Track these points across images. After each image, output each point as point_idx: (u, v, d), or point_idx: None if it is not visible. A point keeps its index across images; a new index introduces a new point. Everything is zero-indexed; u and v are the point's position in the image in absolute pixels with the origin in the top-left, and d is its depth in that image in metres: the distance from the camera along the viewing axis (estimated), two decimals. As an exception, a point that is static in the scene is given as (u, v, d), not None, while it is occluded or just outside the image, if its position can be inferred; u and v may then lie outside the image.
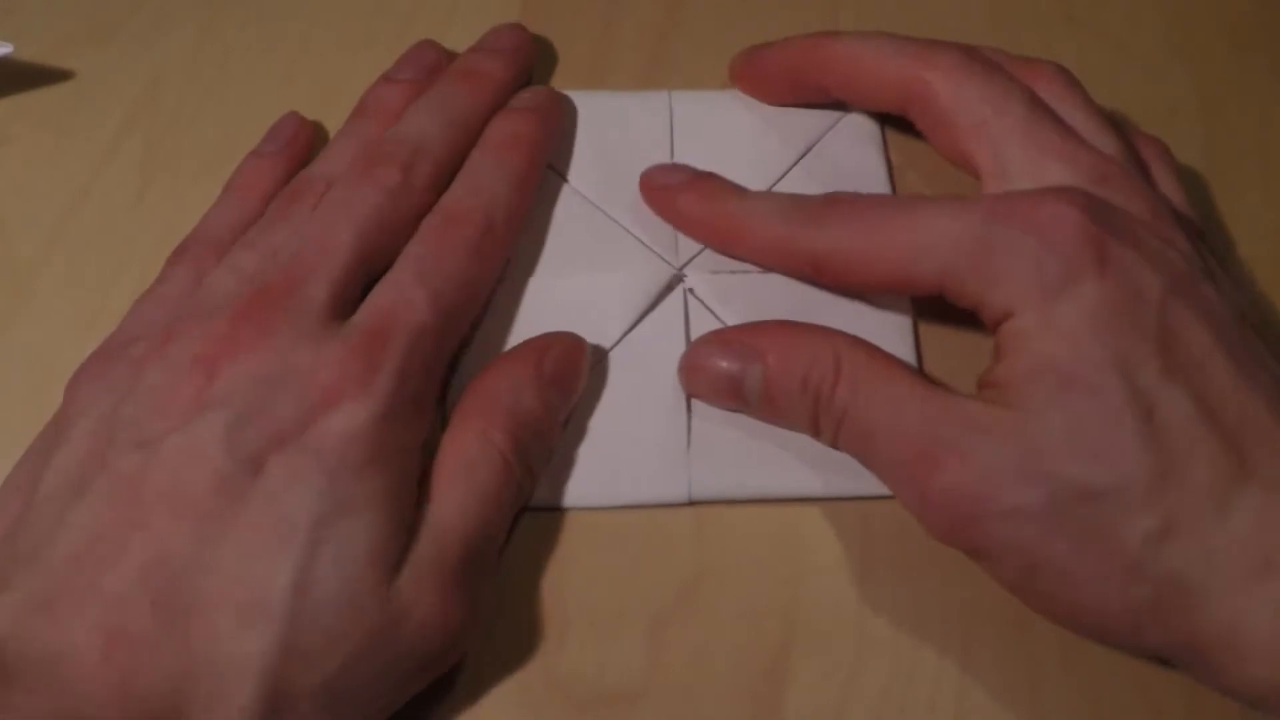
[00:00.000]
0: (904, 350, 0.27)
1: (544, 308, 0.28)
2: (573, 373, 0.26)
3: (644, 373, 0.27)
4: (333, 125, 0.31)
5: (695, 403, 0.26)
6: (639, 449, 0.26)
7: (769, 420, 0.26)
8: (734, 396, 0.25)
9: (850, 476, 0.25)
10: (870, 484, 0.25)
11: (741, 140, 0.30)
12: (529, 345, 0.26)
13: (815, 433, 0.25)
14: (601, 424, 0.26)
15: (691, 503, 0.26)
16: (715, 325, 0.27)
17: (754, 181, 0.28)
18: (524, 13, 0.33)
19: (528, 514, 0.26)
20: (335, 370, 0.22)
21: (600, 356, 0.27)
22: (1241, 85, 0.33)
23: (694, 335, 0.27)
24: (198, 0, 0.34)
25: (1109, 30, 0.34)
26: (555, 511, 0.26)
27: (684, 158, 0.30)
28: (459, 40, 0.32)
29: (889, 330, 0.27)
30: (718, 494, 0.26)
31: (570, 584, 0.25)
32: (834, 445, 0.24)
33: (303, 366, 0.22)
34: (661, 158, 0.30)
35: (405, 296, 0.23)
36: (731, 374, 0.25)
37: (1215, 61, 0.33)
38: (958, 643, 0.24)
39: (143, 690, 0.19)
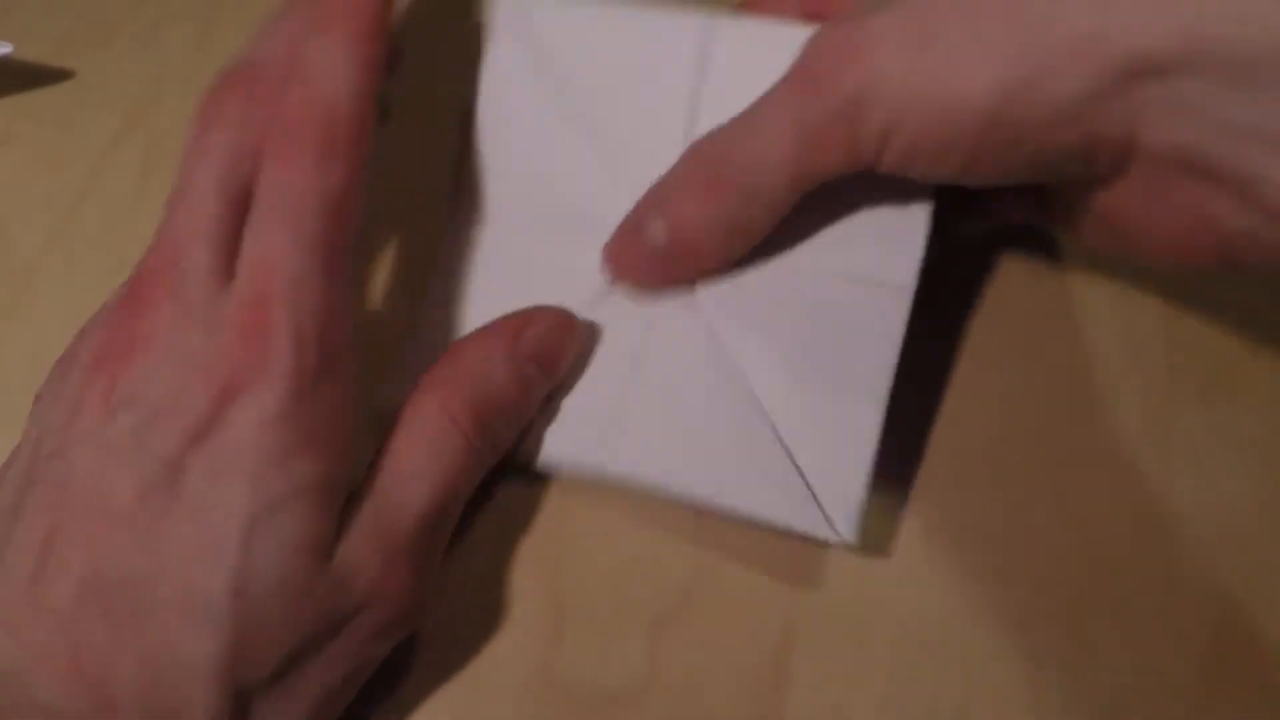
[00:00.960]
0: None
1: (529, 264, 0.26)
2: (555, 351, 0.24)
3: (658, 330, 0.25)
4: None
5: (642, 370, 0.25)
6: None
7: (680, 272, 0.25)
8: (644, 260, 0.25)
9: (744, 492, 0.24)
10: (760, 505, 0.24)
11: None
12: (510, 318, 0.24)
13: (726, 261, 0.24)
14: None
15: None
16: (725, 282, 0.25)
17: None
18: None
19: (528, 513, 0.26)
20: (228, 362, 0.20)
21: (594, 330, 0.25)
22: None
23: (701, 292, 0.25)
24: (198, 0, 0.34)
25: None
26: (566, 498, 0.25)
27: (710, 106, 0.25)
28: (458, 39, 0.32)
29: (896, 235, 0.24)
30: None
31: (570, 584, 0.25)
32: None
33: (198, 355, 0.20)
34: (679, 102, 0.25)
35: (268, 245, 0.21)
36: (633, 239, 0.25)
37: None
38: (958, 643, 0.24)
39: (117, 699, 0.19)
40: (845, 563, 0.25)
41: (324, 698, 0.21)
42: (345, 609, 0.21)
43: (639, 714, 0.24)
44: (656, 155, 0.24)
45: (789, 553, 0.25)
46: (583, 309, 0.25)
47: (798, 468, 0.23)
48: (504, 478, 0.26)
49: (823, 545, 0.25)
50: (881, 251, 0.24)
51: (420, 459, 0.22)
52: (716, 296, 0.25)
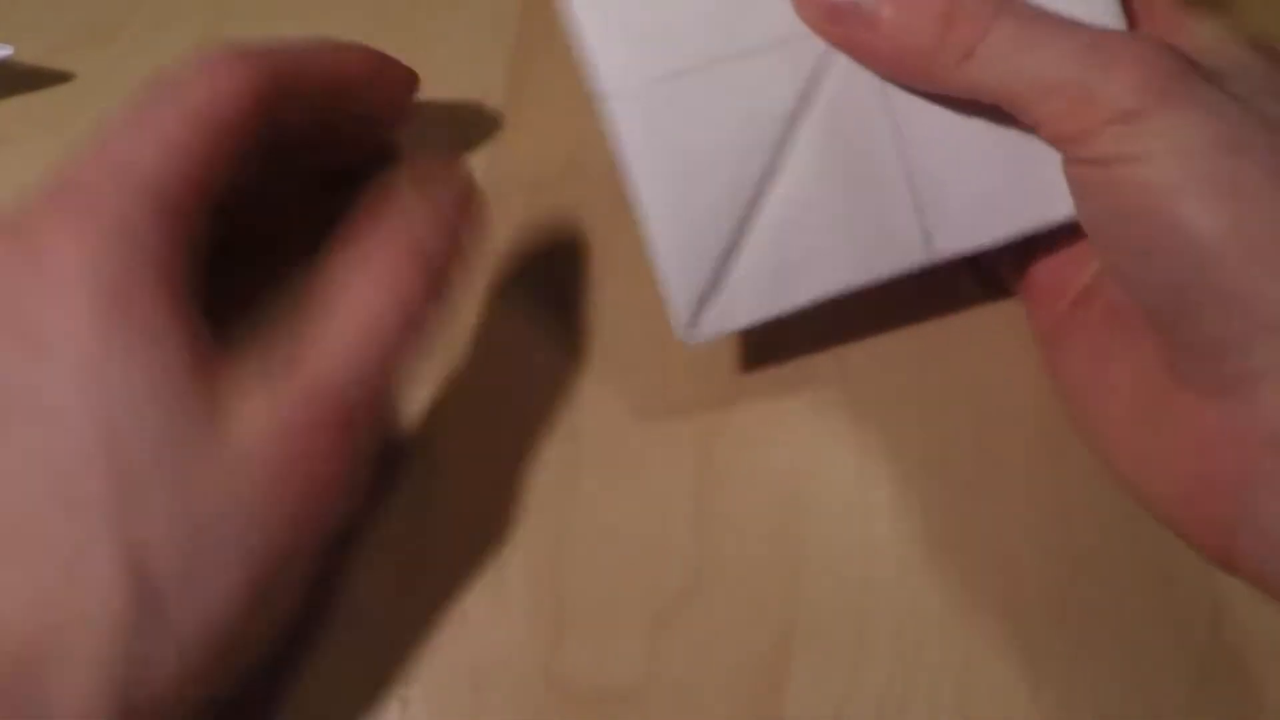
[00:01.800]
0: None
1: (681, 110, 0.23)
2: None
3: (839, 128, 0.23)
4: (332, 126, 0.31)
5: (905, 151, 0.23)
6: (851, 217, 0.23)
7: (878, 46, 0.22)
8: (848, 13, 0.22)
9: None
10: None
11: None
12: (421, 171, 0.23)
13: (943, 35, 0.21)
14: (797, 205, 0.23)
15: (931, 263, 0.23)
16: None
17: None
18: (524, 12, 0.33)
19: (527, 513, 0.26)
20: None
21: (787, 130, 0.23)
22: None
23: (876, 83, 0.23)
24: (198, 0, 0.34)
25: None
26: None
27: None
28: (459, 39, 0.32)
29: None
30: (959, 246, 0.23)
31: (570, 583, 0.25)
32: (960, 62, 0.21)
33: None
34: None
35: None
36: None
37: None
38: (958, 643, 0.24)
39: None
40: (845, 562, 0.25)
41: (249, 594, 0.19)
42: (251, 476, 0.19)
43: (639, 714, 0.24)
44: None
45: (789, 552, 0.25)
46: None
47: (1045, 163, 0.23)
48: (504, 477, 0.26)
49: (830, 539, 0.25)
50: None
51: (361, 333, 0.21)
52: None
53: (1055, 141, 0.22)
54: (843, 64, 0.23)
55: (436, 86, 0.30)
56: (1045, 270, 0.26)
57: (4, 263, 0.19)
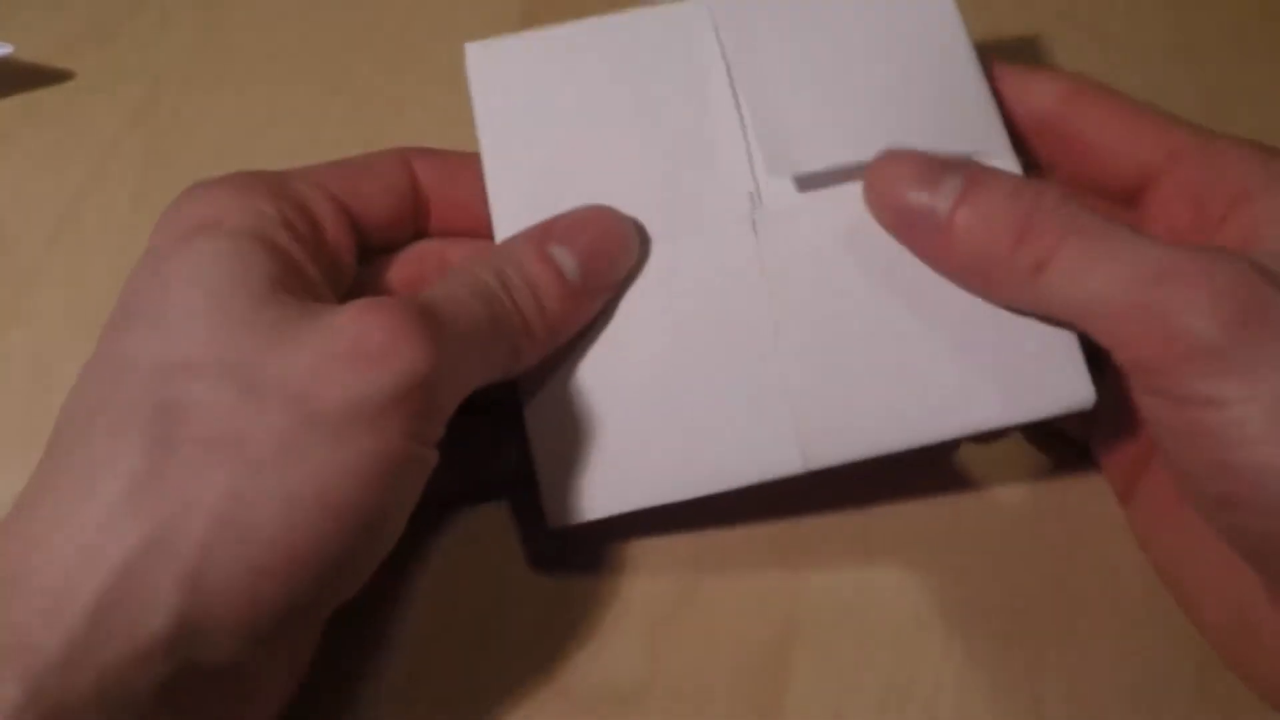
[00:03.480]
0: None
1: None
2: (593, 245, 0.23)
3: (716, 333, 0.23)
4: (332, 125, 0.31)
5: (785, 355, 0.23)
6: (727, 422, 0.23)
7: (952, 251, 0.22)
8: (925, 219, 0.22)
9: (976, 408, 0.22)
10: (1028, 402, 0.22)
11: (809, 40, 0.25)
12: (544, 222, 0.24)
13: (1014, 249, 0.21)
14: (673, 400, 0.23)
15: (807, 471, 0.22)
16: (801, 264, 0.23)
17: (841, 87, 0.24)
18: (525, 14, 0.33)
19: (527, 515, 0.26)
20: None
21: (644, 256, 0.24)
22: (1242, 86, 0.33)
23: (775, 276, 0.23)
24: (198, 0, 0.34)
25: (1109, 30, 0.34)
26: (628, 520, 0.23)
27: (746, 78, 0.24)
28: (458, 40, 0.32)
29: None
30: (835, 460, 0.22)
31: (570, 583, 0.25)
32: (1033, 276, 0.20)
33: None
34: (720, 90, 0.24)
35: None
36: (922, 196, 0.22)
37: (1216, 62, 0.33)
38: (958, 643, 0.24)
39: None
40: (845, 562, 0.25)
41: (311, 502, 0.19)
42: (321, 343, 0.19)
43: (639, 714, 0.24)
44: (706, 126, 0.24)
45: (789, 552, 0.25)
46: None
47: (1006, 363, 0.22)
48: (501, 480, 0.26)
49: (831, 539, 0.25)
50: (973, 129, 0.24)
51: (430, 286, 0.22)
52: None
53: (1129, 369, 0.20)
54: (726, 259, 0.23)
55: (435, 91, 0.30)
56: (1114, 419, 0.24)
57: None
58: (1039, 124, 0.25)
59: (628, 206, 0.24)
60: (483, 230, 0.24)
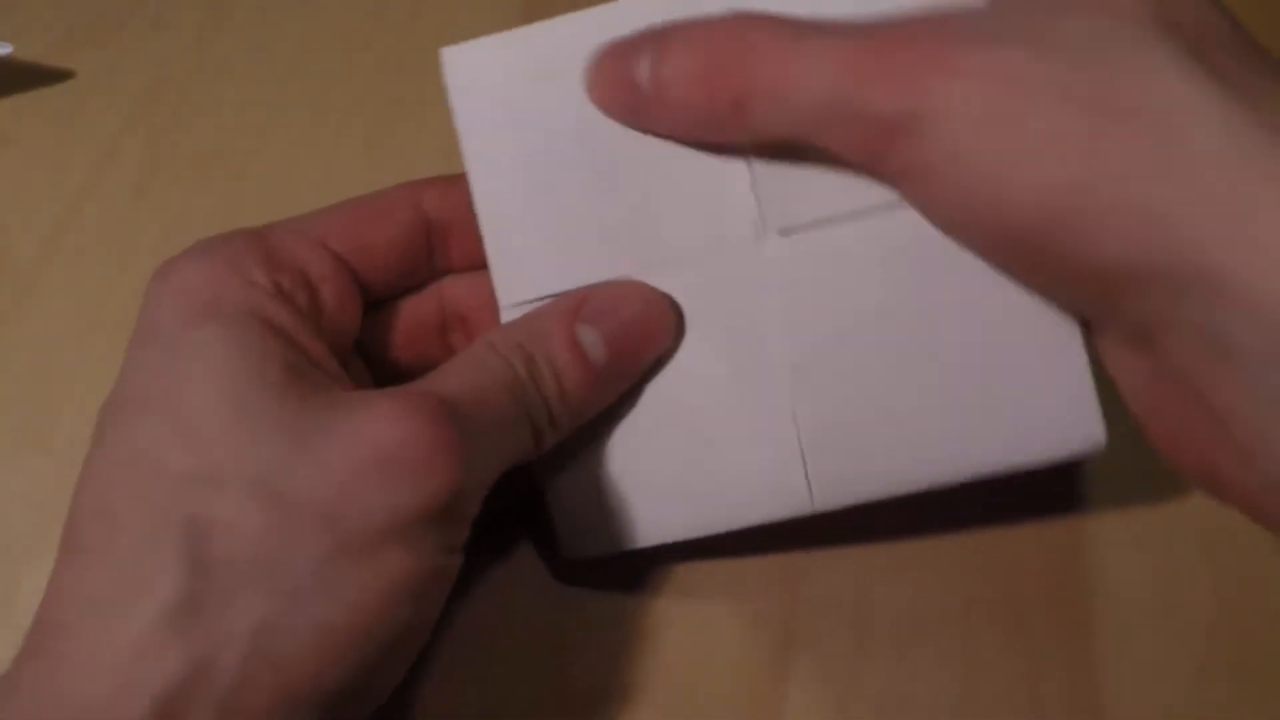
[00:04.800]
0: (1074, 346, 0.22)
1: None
2: (626, 331, 0.22)
3: (725, 367, 0.22)
4: (333, 125, 0.31)
5: (796, 392, 0.22)
6: (736, 460, 0.22)
7: (663, 117, 0.22)
8: (628, 94, 0.22)
9: (1013, 444, 0.22)
10: (1041, 447, 0.22)
11: None
12: (579, 292, 0.23)
13: (710, 99, 0.21)
14: (684, 436, 0.23)
15: (815, 514, 0.22)
16: (810, 298, 0.22)
17: None
18: (525, 14, 0.33)
19: (529, 522, 0.26)
20: None
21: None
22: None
23: (785, 311, 0.22)
24: (198, 0, 0.34)
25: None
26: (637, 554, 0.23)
27: None
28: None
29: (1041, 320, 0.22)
30: (850, 499, 0.22)
31: (572, 588, 0.25)
32: (740, 118, 0.21)
33: None
34: None
35: None
36: (621, 67, 0.22)
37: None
38: (958, 643, 0.24)
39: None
40: (845, 562, 0.25)
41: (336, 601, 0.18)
42: (348, 456, 0.19)
43: (639, 714, 0.24)
44: (717, 176, 0.22)
45: (790, 552, 0.25)
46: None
47: (1018, 405, 0.22)
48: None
49: (831, 539, 0.25)
50: None
51: (453, 370, 0.21)
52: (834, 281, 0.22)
53: (865, 166, 0.21)
54: (742, 289, 0.22)
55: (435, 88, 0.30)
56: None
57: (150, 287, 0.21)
58: None
59: (624, 237, 0.22)
60: None
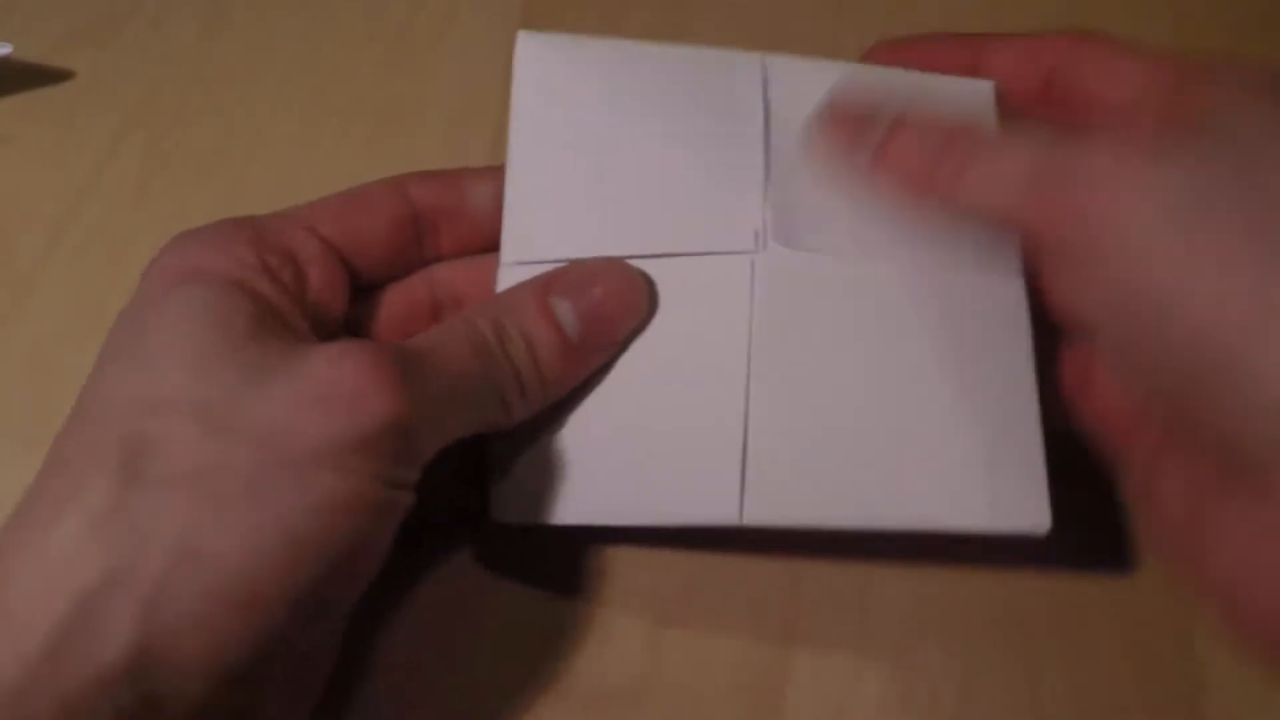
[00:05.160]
0: (1022, 367, 0.23)
1: None
2: (598, 300, 0.23)
3: (692, 367, 0.23)
4: (333, 125, 0.31)
5: (752, 405, 0.23)
6: (679, 457, 0.23)
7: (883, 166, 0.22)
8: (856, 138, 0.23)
9: (929, 505, 0.22)
10: (984, 516, 0.22)
11: None
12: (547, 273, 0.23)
13: (936, 164, 0.21)
14: (634, 424, 0.23)
15: (741, 526, 0.22)
16: (791, 320, 0.23)
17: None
18: (525, 14, 0.33)
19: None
20: None
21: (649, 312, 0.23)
22: (1241, 86, 0.33)
23: (762, 326, 0.23)
24: (198, 0, 0.34)
25: (1109, 30, 0.34)
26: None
27: (782, 139, 0.24)
28: (459, 38, 0.32)
29: (1001, 336, 0.23)
30: (779, 521, 0.22)
31: (572, 584, 0.25)
32: (955, 180, 0.21)
33: None
34: (753, 136, 0.24)
35: None
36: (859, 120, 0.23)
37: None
38: (958, 643, 0.24)
39: None
40: (845, 562, 0.25)
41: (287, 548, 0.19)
42: (301, 390, 0.19)
43: (639, 714, 0.24)
44: (732, 191, 0.24)
45: (789, 552, 0.25)
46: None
47: (970, 470, 0.22)
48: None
49: (831, 539, 0.25)
50: (980, 251, 0.24)
51: (422, 333, 0.22)
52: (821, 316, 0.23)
53: (1054, 257, 0.21)
54: (718, 293, 0.23)
55: (437, 85, 0.30)
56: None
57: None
58: (1043, 89, 0.25)
59: (634, 223, 0.24)
60: (498, 244, 0.24)
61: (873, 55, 0.27)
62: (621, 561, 0.25)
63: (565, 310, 0.22)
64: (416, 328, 0.25)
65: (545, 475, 0.23)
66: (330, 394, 0.19)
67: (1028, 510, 0.22)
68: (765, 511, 0.22)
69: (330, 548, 0.19)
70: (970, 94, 0.25)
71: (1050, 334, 0.23)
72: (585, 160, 0.24)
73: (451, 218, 0.25)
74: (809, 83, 0.24)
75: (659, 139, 0.24)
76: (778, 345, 0.23)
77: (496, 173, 0.25)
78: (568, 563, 0.25)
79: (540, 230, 0.24)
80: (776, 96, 0.25)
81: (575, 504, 0.23)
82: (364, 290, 0.25)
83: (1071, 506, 0.26)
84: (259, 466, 0.19)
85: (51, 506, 0.18)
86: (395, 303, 0.25)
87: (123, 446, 0.19)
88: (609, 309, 0.23)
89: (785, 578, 0.25)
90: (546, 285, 0.23)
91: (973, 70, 0.26)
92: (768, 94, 0.25)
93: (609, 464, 0.23)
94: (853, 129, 0.23)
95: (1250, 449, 0.18)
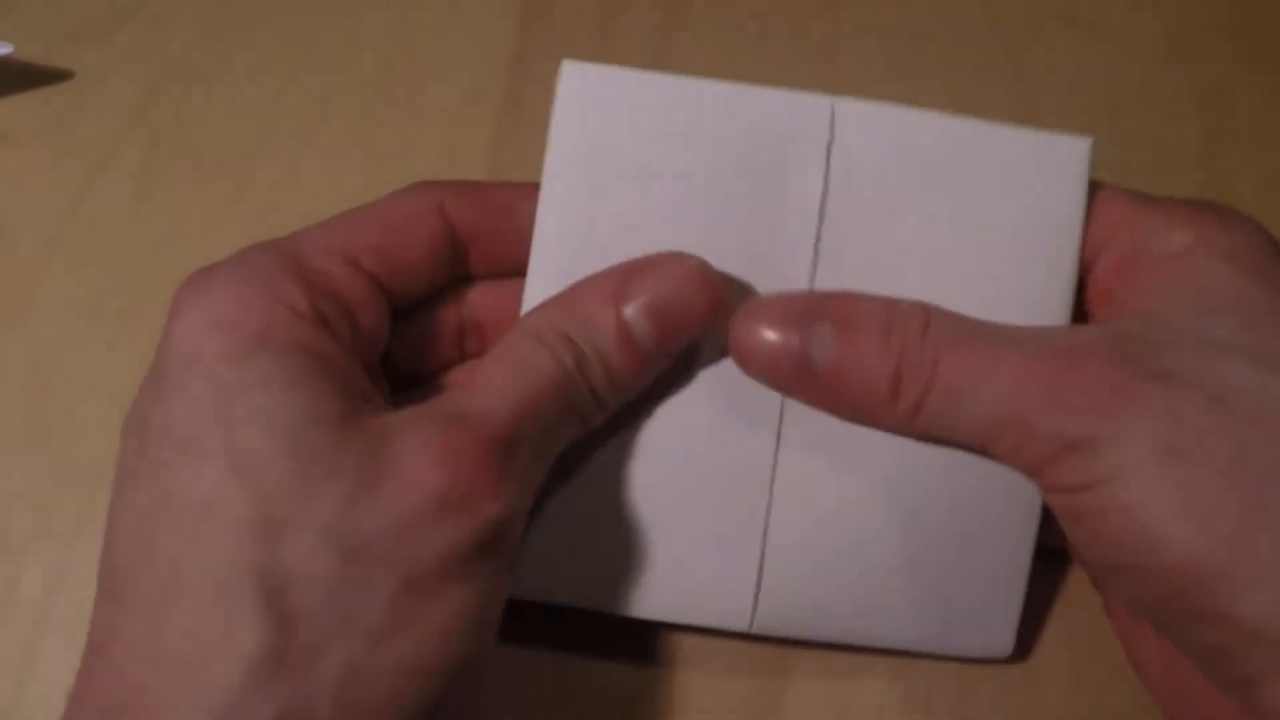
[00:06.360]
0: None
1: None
2: (673, 307, 0.21)
3: (722, 463, 0.23)
4: (333, 125, 0.31)
5: (774, 518, 0.23)
6: (701, 561, 0.23)
7: (830, 400, 0.22)
8: (797, 370, 0.21)
9: (936, 631, 0.23)
10: (957, 642, 0.23)
11: (920, 180, 0.23)
12: (624, 265, 0.22)
13: (893, 397, 0.21)
14: (653, 514, 0.23)
15: (750, 635, 0.23)
16: (816, 428, 0.23)
17: (921, 249, 0.23)
18: (524, 13, 0.33)
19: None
20: None
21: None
22: (1242, 86, 0.33)
23: (791, 431, 0.23)
24: (198, 0, 0.34)
25: (1109, 30, 0.34)
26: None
27: (840, 201, 0.23)
28: (459, 40, 0.32)
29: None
30: (783, 633, 0.23)
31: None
32: (911, 417, 0.21)
33: None
34: (809, 198, 0.23)
35: None
36: (793, 343, 0.21)
37: (1215, 61, 0.33)
38: (958, 642, 0.24)
39: None
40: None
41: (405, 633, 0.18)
42: (401, 493, 0.18)
43: (639, 714, 0.24)
44: (777, 241, 0.23)
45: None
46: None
47: (955, 603, 0.23)
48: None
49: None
50: None
51: (499, 373, 0.20)
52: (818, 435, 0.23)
53: (1026, 473, 0.21)
54: (753, 392, 0.23)
55: (437, 81, 0.30)
56: None
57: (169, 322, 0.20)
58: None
59: None
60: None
61: None
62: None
63: (639, 319, 0.21)
64: (444, 353, 0.25)
65: (568, 557, 0.23)
66: (443, 503, 0.18)
67: (997, 640, 0.23)
68: (772, 624, 0.23)
69: (467, 655, 0.19)
70: (1061, 153, 0.23)
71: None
72: (620, 211, 0.23)
73: (489, 238, 0.24)
74: (882, 134, 0.23)
75: (703, 196, 0.23)
76: (802, 454, 0.23)
77: (536, 192, 0.23)
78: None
79: (571, 264, 0.23)
80: (840, 154, 0.23)
81: (596, 590, 0.23)
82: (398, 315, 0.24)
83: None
84: (397, 594, 0.18)
85: (199, 651, 0.17)
86: (425, 326, 0.24)
87: (260, 579, 0.17)
88: (681, 311, 0.22)
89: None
90: (619, 292, 0.21)
91: None
92: (831, 151, 0.23)
93: (634, 555, 0.23)
94: (789, 338, 0.21)
95: (1231, 664, 0.19)
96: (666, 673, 0.24)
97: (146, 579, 0.18)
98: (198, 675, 0.17)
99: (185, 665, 0.17)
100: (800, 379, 0.21)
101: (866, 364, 0.21)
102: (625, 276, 0.22)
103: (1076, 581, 0.25)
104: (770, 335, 0.21)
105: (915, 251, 0.23)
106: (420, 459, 0.19)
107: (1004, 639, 0.23)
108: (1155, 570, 0.19)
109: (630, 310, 0.21)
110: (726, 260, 0.23)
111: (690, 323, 0.22)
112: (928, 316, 0.21)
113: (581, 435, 0.22)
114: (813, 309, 0.22)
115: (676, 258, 0.22)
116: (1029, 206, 0.23)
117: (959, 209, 0.23)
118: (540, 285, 0.23)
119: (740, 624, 0.23)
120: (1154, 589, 0.19)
